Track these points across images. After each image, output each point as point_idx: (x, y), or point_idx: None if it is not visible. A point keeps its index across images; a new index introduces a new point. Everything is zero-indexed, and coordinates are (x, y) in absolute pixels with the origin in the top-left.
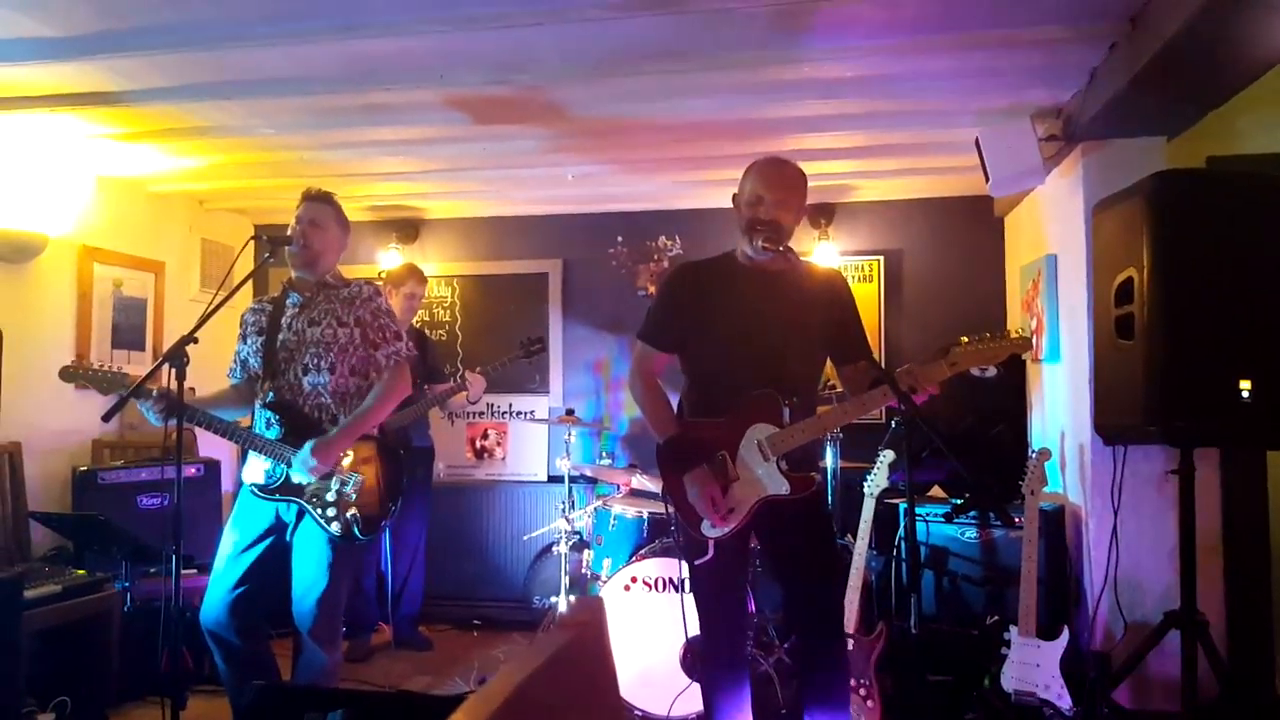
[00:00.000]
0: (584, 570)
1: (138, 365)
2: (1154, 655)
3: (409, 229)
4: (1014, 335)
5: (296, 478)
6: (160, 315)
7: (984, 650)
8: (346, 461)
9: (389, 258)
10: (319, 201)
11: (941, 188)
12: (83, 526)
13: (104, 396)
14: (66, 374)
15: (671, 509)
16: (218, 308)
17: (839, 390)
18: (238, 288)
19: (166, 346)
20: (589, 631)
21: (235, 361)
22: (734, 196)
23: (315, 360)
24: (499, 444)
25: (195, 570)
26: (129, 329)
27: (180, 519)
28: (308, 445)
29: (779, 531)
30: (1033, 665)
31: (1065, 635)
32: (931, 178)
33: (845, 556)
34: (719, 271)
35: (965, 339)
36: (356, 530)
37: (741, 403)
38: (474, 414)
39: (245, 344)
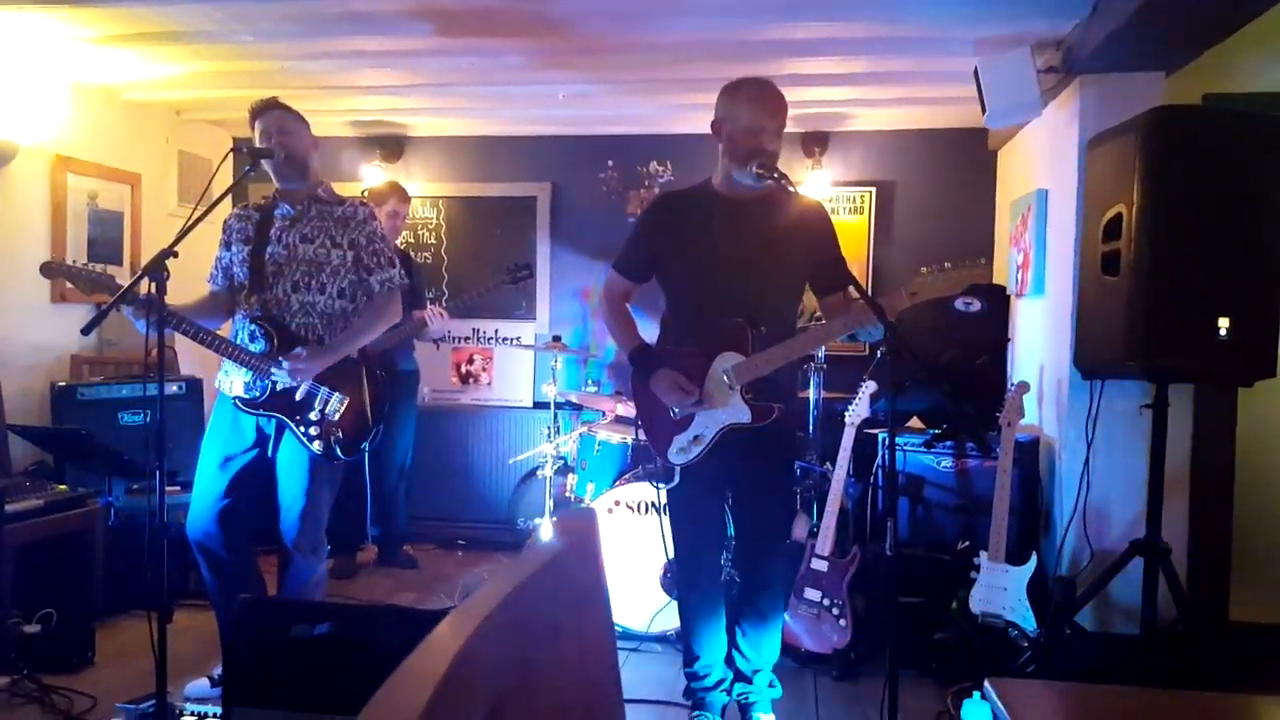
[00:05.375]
0: (568, 494)
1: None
2: (1117, 581)
3: (393, 146)
4: (970, 264)
5: (277, 377)
6: (137, 229)
7: (954, 574)
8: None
9: (372, 175)
10: (275, 109)
11: (936, 119)
12: (64, 441)
13: (81, 310)
14: (48, 270)
15: (643, 436)
16: (198, 221)
17: (821, 320)
18: (218, 201)
19: (144, 261)
20: (581, 543)
21: (216, 268)
22: (715, 122)
23: (305, 279)
24: (485, 369)
25: (178, 487)
26: (105, 243)
27: (164, 434)
28: (300, 349)
29: (743, 458)
30: (1000, 589)
31: (1033, 561)
32: (927, 108)
33: (824, 486)
34: (694, 201)
35: (925, 269)
36: (339, 450)
37: (710, 332)
38: (460, 339)
39: (229, 251)
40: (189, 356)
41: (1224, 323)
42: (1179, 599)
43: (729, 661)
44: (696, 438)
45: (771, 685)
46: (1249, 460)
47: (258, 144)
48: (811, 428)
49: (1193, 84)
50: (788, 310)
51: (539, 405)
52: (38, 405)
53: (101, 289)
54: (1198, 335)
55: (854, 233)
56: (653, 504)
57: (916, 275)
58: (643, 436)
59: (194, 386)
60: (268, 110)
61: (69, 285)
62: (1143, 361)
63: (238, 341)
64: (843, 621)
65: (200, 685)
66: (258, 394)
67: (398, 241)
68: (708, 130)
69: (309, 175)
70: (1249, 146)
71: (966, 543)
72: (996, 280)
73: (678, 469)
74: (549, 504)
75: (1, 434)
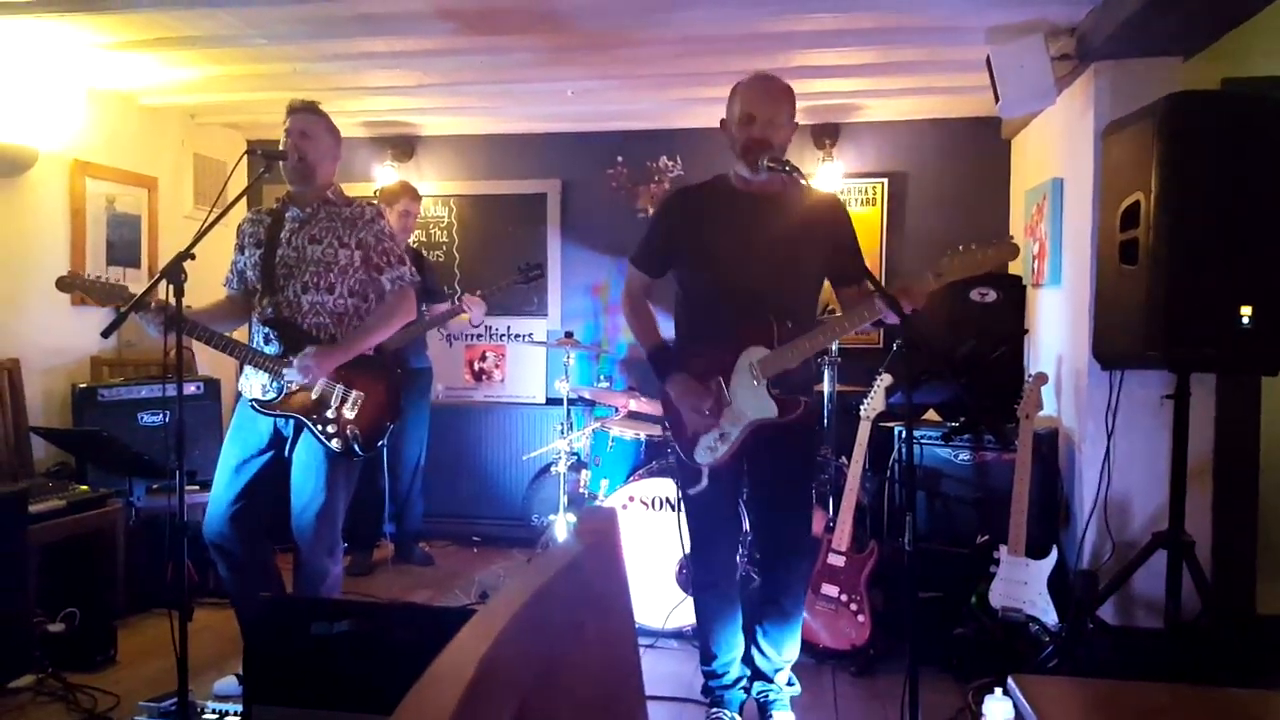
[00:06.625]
0: (582, 490)
1: (133, 283)
2: (1140, 574)
3: (405, 146)
4: (999, 242)
5: (289, 377)
6: (155, 232)
7: (974, 569)
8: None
9: (384, 174)
10: (305, 112)
11: (949, 108)
12: (85, 442)
13: (101, 313)
14: (64, 283)
15: (669, 433)
16: (214, 224)
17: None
18: (233, 204)
19: (162, 264)
20: (602, 543)
21: (232, 272)
22: (722, 120)
23: (315, 279)
24: (497, 366)
25: (198, 486)
26: (123, 246)
27: (183, 434)
28: (310, 347)
29: (762, 455)
30: (1020, 583)
31: (1054, 555)
32: (939, 98)
33: (840, 480)
34: (712, 196)
35: (950, 250)
36: (356, 446)
37: (735, 327)
38: (472, 336)
39: (242, 255)
40: (207, 357)
41: (1246, 310)
42: (1203, 592)
43: (748, 660)
44: (723, 435)
45: (791, 684)
46: (1273, 450)
47: (284, 139)
48: (826, 422)
49: (1211, 69)
50: (810, 302)
51: (552, 401)
52: (59, 407)
53: (116, 299)
54: (1219, 323)
55: (866, 224)
56: (668, 500)
57: (943, 256)
58: (668, 434)
59: (212, 387)
60: (299, 111)
61: None
62: (1163, 351)
63: (254, 344)
64: (861, 617)
65: (229, 683)
66: (274, 395)
67: (409, 240)
68: (716, 125)
69: (314, 179)
70: (1269, 131)
71: (985, 536)
72: (1012, 270)
73: (705, 469)
74: (563, 500)
75: (24, 435)
